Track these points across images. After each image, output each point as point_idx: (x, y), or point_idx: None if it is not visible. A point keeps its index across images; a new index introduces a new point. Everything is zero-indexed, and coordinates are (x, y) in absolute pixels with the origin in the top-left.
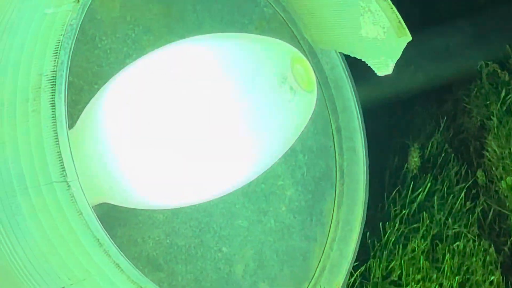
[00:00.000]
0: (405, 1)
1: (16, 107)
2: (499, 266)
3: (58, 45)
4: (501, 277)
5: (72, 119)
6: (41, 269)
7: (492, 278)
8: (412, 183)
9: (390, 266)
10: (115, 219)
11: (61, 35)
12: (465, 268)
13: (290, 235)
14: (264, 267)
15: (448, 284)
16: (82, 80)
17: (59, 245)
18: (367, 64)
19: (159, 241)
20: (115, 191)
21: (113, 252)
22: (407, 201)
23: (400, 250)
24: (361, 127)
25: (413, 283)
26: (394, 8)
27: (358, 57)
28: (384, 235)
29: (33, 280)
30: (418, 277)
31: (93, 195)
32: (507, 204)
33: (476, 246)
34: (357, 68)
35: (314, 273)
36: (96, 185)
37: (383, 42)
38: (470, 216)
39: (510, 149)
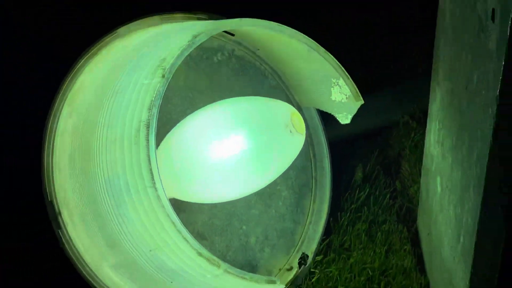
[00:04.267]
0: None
1: (124, 140)
2: (409, 240)
3: (151, 103)
4: (410, 247)
5: None
6: (137, 239)
7: (405, 247)
8: (357, 189)
9: (344, 239)
10: (179, 208)
11: (153, 97)
12: (389, 241)
13: (284, 220)
14: (268, 239)
15: (378, 250)
16: (159, 123)
17: (149, 225)
18: (331, 115)
19: (204, 222)
20: (181, 191)
21: (183, 231)
22: (354, 199)
23: (350, 230)
24: (327, 154)
25: (357, 250)
26: (353, 83)
27: (329, 112)
28: (340, 220)
29: (132, 245)
30: (360, 246)
31: (167, 194)
32: (414, 202)
33: (395, 228)
34: (326, 117)
35: (298, 243)
36: (169, 187)
37: (346, 104)
38: (392, 209)
39: (416, 168)
